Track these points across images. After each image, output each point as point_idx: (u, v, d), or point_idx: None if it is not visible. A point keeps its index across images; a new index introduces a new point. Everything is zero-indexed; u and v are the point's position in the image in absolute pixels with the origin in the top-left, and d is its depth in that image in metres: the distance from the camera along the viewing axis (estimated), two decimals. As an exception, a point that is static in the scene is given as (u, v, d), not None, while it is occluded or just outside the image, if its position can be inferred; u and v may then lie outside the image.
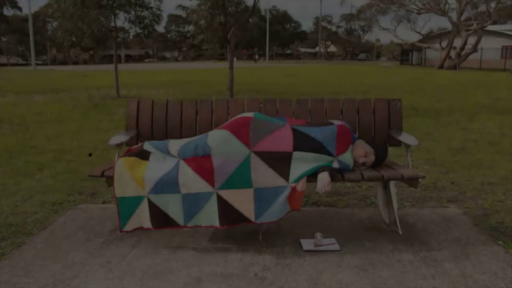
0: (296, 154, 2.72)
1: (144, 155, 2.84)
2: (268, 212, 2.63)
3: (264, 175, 2.66)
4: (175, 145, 2.82)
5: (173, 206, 2.65)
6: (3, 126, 7.43)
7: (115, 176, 2.69)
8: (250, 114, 2.90)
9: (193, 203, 2.64)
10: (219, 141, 2.72)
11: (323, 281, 2.32)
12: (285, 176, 2.68)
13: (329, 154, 2.77)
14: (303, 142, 2.77)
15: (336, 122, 2.94)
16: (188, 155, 2.71)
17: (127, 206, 2.69)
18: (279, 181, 2.66)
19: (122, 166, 2.71)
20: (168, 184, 2.63)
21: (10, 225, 3.09)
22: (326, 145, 2.78)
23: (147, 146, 2.88)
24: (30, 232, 2.98)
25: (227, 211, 2.63)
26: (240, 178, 2.64)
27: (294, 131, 2.82)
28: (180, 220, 2.66)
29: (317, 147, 2.76)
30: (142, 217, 2.69)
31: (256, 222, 2.64)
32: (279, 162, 2.70)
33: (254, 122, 2.81)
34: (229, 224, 2.65)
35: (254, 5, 11.07)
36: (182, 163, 2.68)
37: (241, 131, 2.76)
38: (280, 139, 2.77)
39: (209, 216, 2.65)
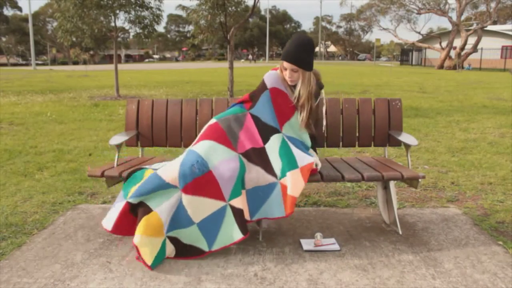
0: (267, 147, 2.74)
1: (147, 206, 2.55)
2: (262, 209, 2.60)
3: (255, 174, 2.64)
4: (168, 173, 2.55)
5: (193, 236, 2.55)
6: (3, 126, 7.43)
7: (142, 252, 2.44)
8: (212, 121, 2.81)
9: (211, 225, 2.55)
10: (208, 151, 2.61)
11: (323, 281, 2.32)
12: (271, 171, 2.66)
13: (277, 130, 2.78)
14: (264, 131, 2.77)
15: (270, 86, 2.85)
16: (189, 180, 2.52)
17: (156, 260, 2.49)
18: (269, 178, 2.64)
19: (142, 237, 2.45)
20: (180, 221, 2.52)
21: (10, 225, 3.09)
22: (272, 123, 2.78)
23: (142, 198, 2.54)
24: (30, 232, 2.97)
25: (241, 218, 2.57)
26: (240, 182, 2.61)
27: (253, 118, 2.81)
28: (204, 246, 2.55)
29: (270, 130, 2.77)
30: (168, 250, 2.55)
31: (252, 219, 2.61)
32: (261, 158, 2.70)
33: (221, 124, 2.76)
34: (247, 232, 2.57)
35: (254, 5, 11.06)
36: (184, 196, 2.52)
37: (219, 137, 2.69)
38: (251, 134, 2.77)
39: (230, 231, 2.55)
